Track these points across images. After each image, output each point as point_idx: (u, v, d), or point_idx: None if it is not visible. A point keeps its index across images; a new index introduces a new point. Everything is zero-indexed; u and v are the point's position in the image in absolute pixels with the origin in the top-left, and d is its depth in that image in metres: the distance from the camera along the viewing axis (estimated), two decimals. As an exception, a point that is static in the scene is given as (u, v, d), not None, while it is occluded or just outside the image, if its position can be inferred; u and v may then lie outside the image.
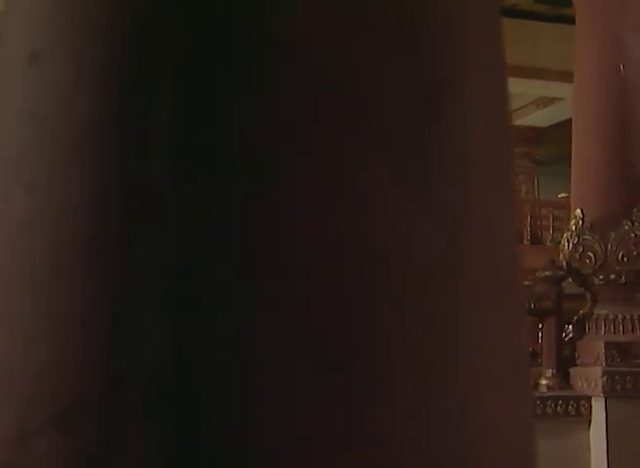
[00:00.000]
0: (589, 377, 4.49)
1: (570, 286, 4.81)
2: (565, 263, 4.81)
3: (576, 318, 4.78)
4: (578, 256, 4.74)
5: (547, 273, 4.67)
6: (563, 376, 4.64)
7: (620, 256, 4.63)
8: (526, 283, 3.84)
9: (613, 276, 4.65)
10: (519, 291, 0.83)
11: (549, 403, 4.45)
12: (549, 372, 4.65)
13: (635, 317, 4.62)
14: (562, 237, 5.00)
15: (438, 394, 0.69)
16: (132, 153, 0.73)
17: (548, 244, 11.96)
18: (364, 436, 0.66)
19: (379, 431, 0.66)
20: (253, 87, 0.72)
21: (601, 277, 4.68)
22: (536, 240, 12.68)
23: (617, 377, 4.41)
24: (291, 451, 0.66)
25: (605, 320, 4.66)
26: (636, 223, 4.63)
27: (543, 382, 4.63)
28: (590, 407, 4.44)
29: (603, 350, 4.50)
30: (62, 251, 0.75)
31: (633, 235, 4.61)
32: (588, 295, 4.76)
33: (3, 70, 0.83)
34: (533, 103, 13.95)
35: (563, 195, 10.64)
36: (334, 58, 0.73)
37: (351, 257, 0.71)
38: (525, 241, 12.30)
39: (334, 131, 0.72)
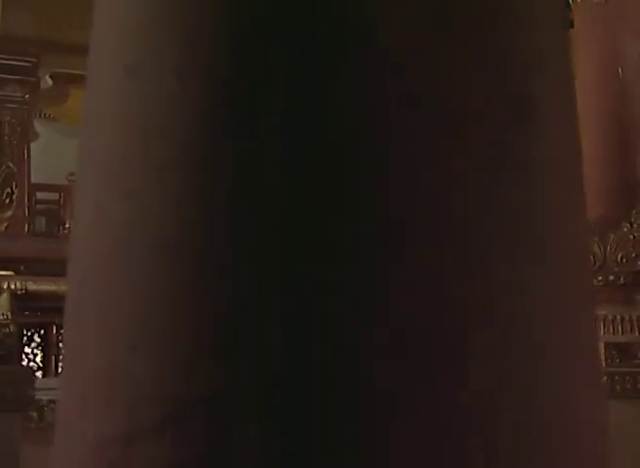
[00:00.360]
0: (589, 378, 4.52)
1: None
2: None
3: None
4: (577, 258, 4.77)
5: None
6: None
7: (619, 258, 4.68)
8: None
9: (612, 277, 4.70)
10: (589, 283, 0.87)
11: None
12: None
13: (634, 318, 4.67)
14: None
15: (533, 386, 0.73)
16: (236, 163, 0.76)
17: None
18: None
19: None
20: (353, 103, 0.75)
21: (600, 278, 4.73)
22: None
23: (616, 377, 4.46)
24: (400, 450, 0.69)
25: (604, 320, 4.71)
26: (635, 225, 4.68)
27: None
28: (590, 407, 4.48)
29: (603, 350, 4.55)
30: (162, 258, 0.78)
31: (632, 236, 4.66)
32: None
33: (99, 83, 0.86)
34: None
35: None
36: (428, 75, 0.76)
37: (448, 266, 0.74)
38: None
39: (429, 147, 0.75)
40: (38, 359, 8.78)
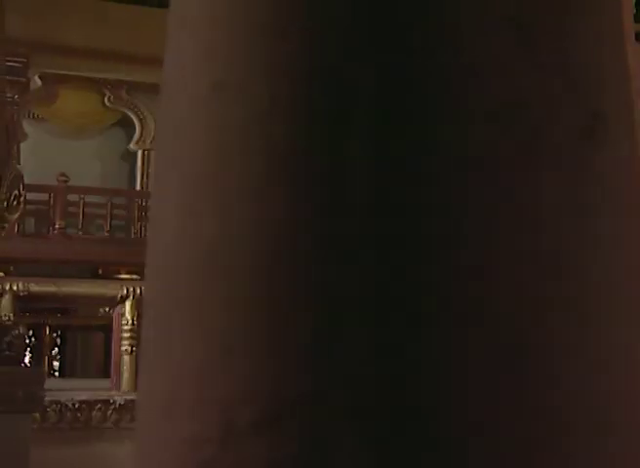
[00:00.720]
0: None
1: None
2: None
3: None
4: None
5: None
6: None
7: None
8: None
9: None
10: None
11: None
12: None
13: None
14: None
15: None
16: (325, 179, 0.80)
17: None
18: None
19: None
20: (441, 118, 0.79)
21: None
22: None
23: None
24: (494, 451, 0.73)
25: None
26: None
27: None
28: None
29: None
30: (255, 266, 0.81)
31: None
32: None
33: (182, 98, 0.89)
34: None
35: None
36: (510, 90, 0.80)
37: (530, 267, 0.78)
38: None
39: (507, 162, 0.79)
40: (27, 359, 8.78)
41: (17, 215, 3.55)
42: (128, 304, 4.61)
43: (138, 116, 13.46)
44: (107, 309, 10.32)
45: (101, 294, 4.74)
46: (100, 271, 11.42)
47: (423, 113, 0.79)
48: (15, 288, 4.87)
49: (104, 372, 8.80)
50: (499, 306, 0.76)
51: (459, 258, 0.77)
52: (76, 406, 4.28)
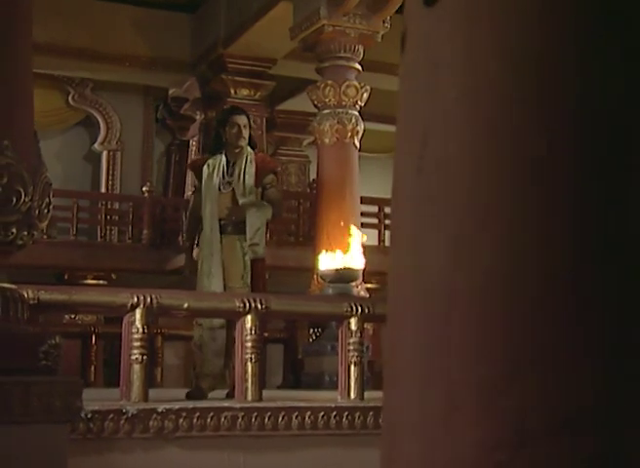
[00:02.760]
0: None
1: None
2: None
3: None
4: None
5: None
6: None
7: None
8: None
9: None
10: None
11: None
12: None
13: None
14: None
15: None
16: (608, 212, 0.95)
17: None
18: None
19: None
20: None
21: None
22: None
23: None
24: None
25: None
26: None
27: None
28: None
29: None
30: (537, 290, 0.96)
31: None
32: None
33: (453, 142, 1.03)
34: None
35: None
36: None
37: None
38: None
39: None
40: None
41: (46, 223, 3.63)
42: (138, 312, 4.70)
43: (103, 116, 13.51)
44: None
45: (111, 302, 4.82)
46: (66, 276, 11.47)
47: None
48: (25, 295, 4.93)
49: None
50: None
51: None
52: (88, 416, 4.37)
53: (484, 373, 0.98)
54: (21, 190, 3.50)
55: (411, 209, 1.10)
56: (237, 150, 6.52)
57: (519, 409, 0.95)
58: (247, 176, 6.45)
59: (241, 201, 6.39)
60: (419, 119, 1.10)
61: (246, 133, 6.52)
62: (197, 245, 6.54)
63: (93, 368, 9.58)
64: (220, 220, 6.35)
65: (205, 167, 6.54)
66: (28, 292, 4.36)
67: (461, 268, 1.01)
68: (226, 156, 6.54)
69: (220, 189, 6.45)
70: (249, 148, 6.57)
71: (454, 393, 1.00)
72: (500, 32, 1.01)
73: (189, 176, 10.38)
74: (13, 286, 3.64)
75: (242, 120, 6.56)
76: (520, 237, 0.97)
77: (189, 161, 7.88)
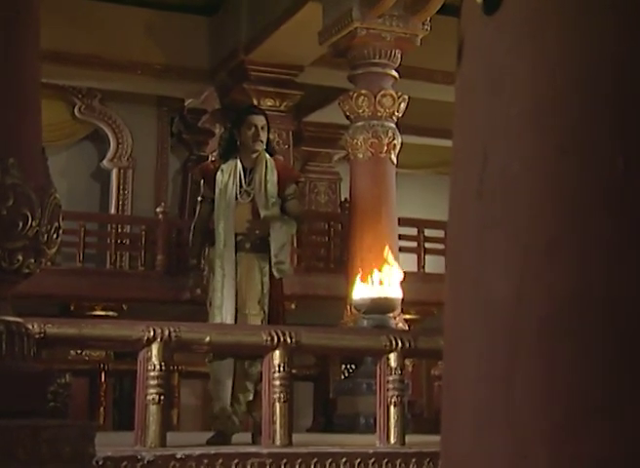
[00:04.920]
0: None
1: None
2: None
3: None
4: None
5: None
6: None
7: None
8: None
9: None
10: None
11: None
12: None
13: None
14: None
15: None
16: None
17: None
18: None
19: None
20: None
21: None
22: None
23: None
24: None
25: None
26: None
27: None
28: None
29: None
30: (609, 324, 0.97)
31: None
32: None
33: (517, 160, 1.05)
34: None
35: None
36: None
37: None
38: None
39: None
40: None
41: (55, 250, 3.66)
42: (155, 347, 4.72)
43: (112, 129, 13.62)
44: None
45: (125, 337, 4.85)
46: (72, 307, 11.54)
47: None
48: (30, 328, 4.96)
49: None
50: None
51: None
52: (100, 462, 4.39)
53: (554, 417, 0.99)
54: (28, 213, 3.53)
55: (471, 236, 1.12)
56: (254, 155, 6.32)
57: (595, 458, 0.96)
58: (269, 185, 6.26)
59: (263, 213, 6.21)
60: (477, 137, 1.12)
61: (264, 135, 6.32)
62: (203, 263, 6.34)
63: (102, 409, 9.63)
64: (236, 236, 6.16)
65: (219, 173, 6.32)
66: (34, 326, 4.39)
67: (528, 301, 1.02)
68: (241, 161, 6.34)
69: (237, 199, 6.26)
70: (266, 154, 6.38)
71: (522, 440, 1.01)
72: (568, 42, 1.02)
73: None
74: (19, 319, 3.67)
75: (260, 121, 6.34)
76: (592, 268, 0.98)
77: (198, 167, 7.59)
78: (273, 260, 6.12)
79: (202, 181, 6.55)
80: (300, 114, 13.15)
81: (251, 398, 5.97)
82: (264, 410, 5.24)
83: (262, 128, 6.33)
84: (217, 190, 6.29)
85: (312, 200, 14.14)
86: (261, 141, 6.31)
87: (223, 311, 6.01)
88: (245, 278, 6.12)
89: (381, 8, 9.51)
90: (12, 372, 3.46)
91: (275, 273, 6.13)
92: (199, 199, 6.49)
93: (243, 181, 6.29)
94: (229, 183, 6.27)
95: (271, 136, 6.68)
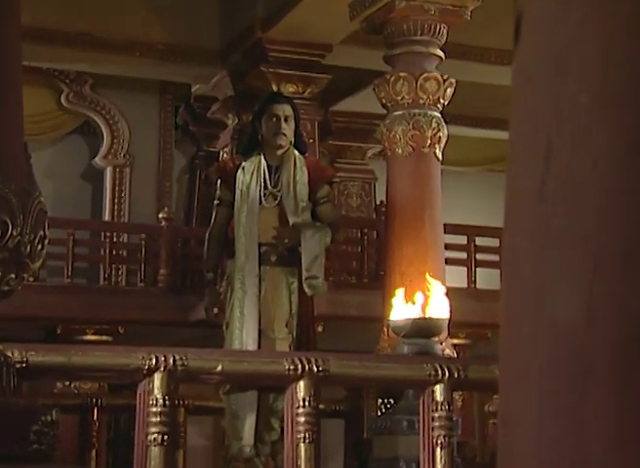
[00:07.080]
0: None
1: None
2: None
3: None
4: None
5: None
6: None
7: None
8: None
9: None
10: None
11: None
12: None
13: None
14: None
15: None
16: None
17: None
18: None
19: None
20: None
21: None
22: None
23: None
24: None
25: None
26: None
27: None
28: None
29: None
30: None
31: None
32: None
33: (589, 161, 1.05)
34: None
35: None
36: None
37: None
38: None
39: None
40: None
41: (39, 264, 3.68)
42: (157, 378, 4.73)
43: (106, 121, 13.63)
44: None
45: (122, 366, 4.87)
46: (59, 331, 11.57)
47: None
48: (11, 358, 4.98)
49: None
50: None
51: None
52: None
53: (630, 460, 0.99)
54: (8, 221, 3.55)
55: (531, 247, 1.12)
56: (279, 151, 6.26)
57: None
58: (299, 187, 6.19)
59: (292, 220, 6.15)
60: (539, 129, 1.12)
61: (289, 128, 6.24)
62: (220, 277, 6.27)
63: (94, 451, 9.64)
64: (259, 246, 6.10)
65: (240, 171, 6.26)
66: (14, 354, 4.41)
67: (599, 322, 1.03)
68: (265, 159, 6.26)
69: (260, 203, 6.19)
70: (294, 150, 6.29)
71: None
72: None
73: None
74: (-3, 346, 3.70)
75: (283, 110, 6.26)
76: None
77: (215, 164, 7.43)
78: (304, 275, 6.05)
79: (219, 181, 6.47)
80: (328, 102, 13.14)
81: (277, 438, 5.92)
82: (286, 453, 5.23)
83: (287, 119, 6.24)
84: (237, 192, 6.23)
85: (342, 203, 14.13)
86: (284, 135, 6.23)
87: (244, 335, 5.97)
88: (270, 296, 6.08)
89: (424, -25, 9.51)
90: (-11, 409, 3.47)
91: (307, 290, 6.07)
92: (216, 202, 6.40)
93: (268, 182, 6.21)
94: (252, 184, 6.20)
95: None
